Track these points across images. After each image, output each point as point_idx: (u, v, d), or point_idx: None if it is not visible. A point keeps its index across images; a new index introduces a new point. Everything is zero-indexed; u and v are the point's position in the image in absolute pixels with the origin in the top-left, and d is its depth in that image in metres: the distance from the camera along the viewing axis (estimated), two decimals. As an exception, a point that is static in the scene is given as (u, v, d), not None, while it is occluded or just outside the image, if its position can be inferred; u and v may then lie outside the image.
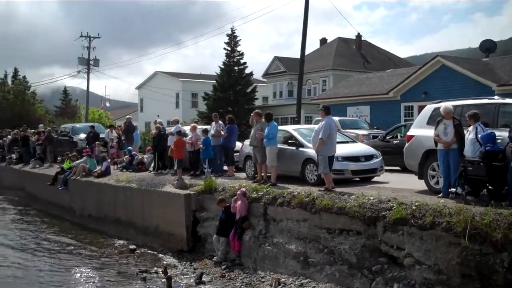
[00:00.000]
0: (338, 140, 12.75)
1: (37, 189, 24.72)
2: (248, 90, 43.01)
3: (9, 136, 31.80)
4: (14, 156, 29.47)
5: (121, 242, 16.26)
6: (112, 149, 23.36)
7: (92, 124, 28.35)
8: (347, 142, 14.79)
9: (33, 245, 16.73)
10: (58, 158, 26.16)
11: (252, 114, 14.91)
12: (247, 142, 15.38)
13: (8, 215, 22.70)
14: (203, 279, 11.76)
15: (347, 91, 32.12)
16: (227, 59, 43.10)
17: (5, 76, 63.04)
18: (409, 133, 12.57)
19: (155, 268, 13.16)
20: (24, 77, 61.51)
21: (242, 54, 43.36)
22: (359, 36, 50.67)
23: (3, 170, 30.23)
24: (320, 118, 13.15)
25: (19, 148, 29.18)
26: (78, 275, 13.12)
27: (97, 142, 23.55)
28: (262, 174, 13.90)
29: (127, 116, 25.24)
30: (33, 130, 29.84)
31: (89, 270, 13.51)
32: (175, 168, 16.75)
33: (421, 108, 16.68)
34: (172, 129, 18.33)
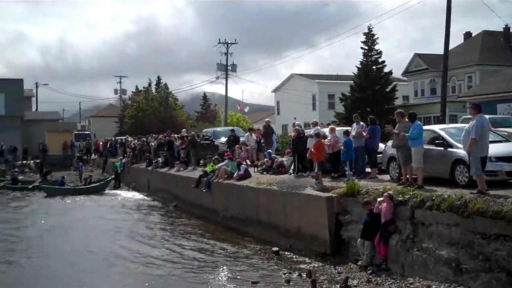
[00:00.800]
0: (490, 139, 12.11)
1: (182, 191, 26.10)
2: (388, 90, 42.10)
3: (155, 141, 33.94)
4: (160, 160, 31.32)
5: (264, 244, 16.69)
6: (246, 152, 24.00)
7: (232, 128, 29.42)
8: (500, 141, 13.94)
9: (179, 243, 17.74)
10: (201, 161, 27.46)
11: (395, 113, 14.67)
12: (390, 143, 15.12)
13: (156, 215, 24.28)
14: (349, 283, 11.72)
15: (496, 87, 30.41)
16: (365, 59, 42.53)
17: (149, 84, 67.58)
18: None
19: (299, 271, 13.37)
20: (165, 84, 65.41)
21: (380, 53, 42.57)
22: (507, 28, 47.60)
23: (150, 174, 32.25)
24: (469, 116, 12.58)
25: (164, 152, 30.98)
26: (223, 274, 13.65)
27: (237, 146, 24.41)
28: (407, 176, 13.59)
29: (266, 119, 25.88)
30: (177, 135, 31.52)
31: (233, 270, 13.99)
32: (315, 170, 16.87)
33: None
34: (311, 131, 18.50)
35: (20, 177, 40.31)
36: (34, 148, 50.29)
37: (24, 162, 48.96)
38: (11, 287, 13.66)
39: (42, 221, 23.31)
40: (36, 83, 76.84)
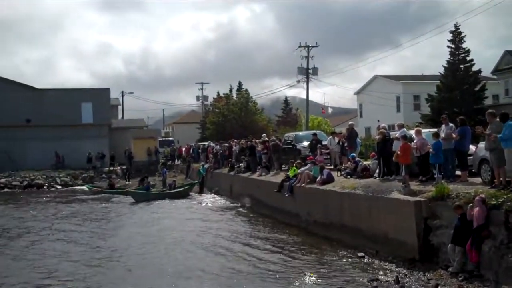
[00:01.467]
0: None
1: (264, 195, 26.33)
2: (476, 89, 40.67)
3: (237, 146, 34.45)
4: (242, 165, 31.76)
5: (349, 249, 16.58)
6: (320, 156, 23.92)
7: (314, 131, 29.40)
8: None
9: (262, 247, 17.90)
10: (283, 166, 27.60)
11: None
12: (481, 145, 14.62)
13: (239, 219, 24.62)
14: (439, 290, 11.44)
15: None
16: (451, 57, 41.31)
17: (230, 90, 68.76)
18: None
19: (386, 277, 13.17)
20: (246, 90, 66.28)
21: (467, 51, 41.23)
22: None
23: (232, 178, 32.75)
24: None
25: (246, 157, 31.41)
26: (307, 279, 13.66)
27: (318, 146, 24.36)
28: (501, 178, 13.09)
29: (350, 122, 25.68)
30: (258, 140, 31.87)
31: (317, 275, 13.97)
32: (402, 173, 16.56)
33: None
34: (396, 133, 18.19)
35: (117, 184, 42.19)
36: (120, 155, 52.43)
37: (111, 168, 51.13)
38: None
39: (135, 223, 24.30)
40: (122, 92, 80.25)
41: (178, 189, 35.78)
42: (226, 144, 38.33)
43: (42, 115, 54.39)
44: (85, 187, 42.50)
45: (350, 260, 15.41)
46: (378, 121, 34.96)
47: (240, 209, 27.86)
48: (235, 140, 37.42)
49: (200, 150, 45.74)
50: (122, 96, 79.68)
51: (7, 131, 52.50)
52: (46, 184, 46.19)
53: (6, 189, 44.67)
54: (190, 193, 35.56)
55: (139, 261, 16.78)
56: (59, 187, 45.97)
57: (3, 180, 46.33)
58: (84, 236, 21.49)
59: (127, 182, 41.31)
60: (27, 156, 51.60)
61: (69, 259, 17.15)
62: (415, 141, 16.89)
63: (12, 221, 26.44)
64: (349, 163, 21.49)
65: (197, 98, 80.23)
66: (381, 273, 13.64)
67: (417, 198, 14.52)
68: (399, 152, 16.63)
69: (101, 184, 43.44)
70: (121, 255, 17.74)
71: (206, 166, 38.26)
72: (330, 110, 68.32)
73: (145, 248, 18.72)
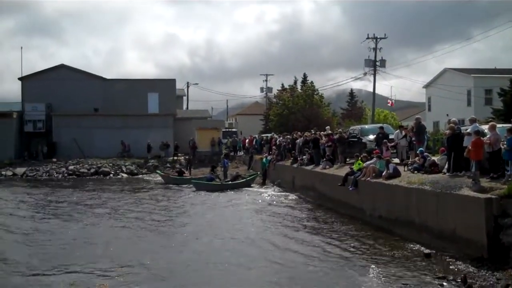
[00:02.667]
0: None
1: (327, 189, 26.22)
2: (554, 83, 38.97)
3: (300, 139, 34.40)
4: (305, 157, 31.70)
5: (414, 245, 16.33)
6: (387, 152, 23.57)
7: (381, 125, 28.99)
8: None
9: (325, 240, 17.86)
10: (348, 159, 27.38)
11: None
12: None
13: (301, 212, 24.62)
14: (509, 291, 11.12)
15: None
16: (528, 50, 39.74)
17: (295, 82, 68.63)
18: None
19: (453, 275, 12.90)
20: (311, 82, 65.99)
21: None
22: None
23: (295, 171, 32.76)
24: None
25: (310, 150, 31.33)
26: (371, 274, 13.56)
27: (384, 140, 24.00)
28: None
29: (416, 116, 25.18)
30: (323, 133, 31.71)
31: (381, 271, 13.84)
32: (473, 170, 16.12)
33: None
34: (467, 128, 17.69)
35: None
36: (184, 145, 53.37)
37: (175, 158, 52.15)
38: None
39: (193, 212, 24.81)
40: (187, 82, 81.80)
41: (240, 180, 36.11)
42: (289, 136, 38.33)
43: (110, 104, 56.20)
44: (158, 172, 44.21)
45: (415, 257, 15.18)
46: (447, 115, 34.08)
47: (302, 202, 27.86)
48: (299, 133, 37.35)
49: (263, 142, 45.96)
50: (187, 86, 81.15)
51: (76, 120, 54.57)
52: (112, 172, 47.72)
53: (74, 176, 46.47)
54: (252, 185, 35.87)
55: (206, 250, 17.12)
56: (124, 175, 47.39)
57: (71, 167, 48.21)
58: (150, 223, 22.11)
59: (186, 172, 42.05)
60: (95, 144, 53.42)
61: (137, 245, 17.70)
62: (488, 136, 16.39)
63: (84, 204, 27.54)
64: (417, 158, 21.08)
65: (261, 89, 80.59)
66: (447, 271, 13.38)
67: (488, 196, 14.11)
68: (470, 148, 16.19)
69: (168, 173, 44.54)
70: (185, 244, 18.14)
71: (269, 158, 38.40)
72: (391, 103, 66.97)
73: (210, 237, 19.07)
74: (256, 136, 51.92)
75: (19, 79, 57.79)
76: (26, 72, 58.34)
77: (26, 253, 16.73)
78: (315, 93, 61.55)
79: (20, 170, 47.45)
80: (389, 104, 66.71)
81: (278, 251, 16.72)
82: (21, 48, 58.72)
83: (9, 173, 47.07)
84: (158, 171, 44.48)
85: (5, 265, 15.19)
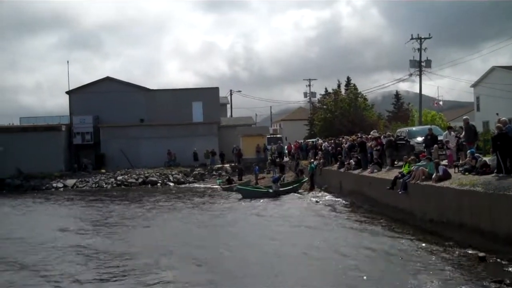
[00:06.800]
0: None
1: (375, 193, 26.06)
2: None
3: (347, 143, 34.26)
4: (352, 161, 31.55)
5: (468, 249, 16.09)
6: (448, 150, 23.29)
7: (429, 126, 28.63)
8: None
9: (374, 246, 17.74)
10: (396, 162, 27.15)
11: None
12: None
13: (350, 217, 24.55)
14: None
15: None
16: None
17: (339, 86, 68.37)
18: None
19: (510, 279, 12.67)
20: (354, 85, 65.63)
21: None
22: None
23: (342, 175, 32.64)
24: None
25: (356, 154, 31.17)
26: (424, 279, 13.43)
27: (435, 145, 23.73)
28: None
29: (464, 117, 24.80)
30: (369, 136, 31.52)
31: (434, 275, 13.69)
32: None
33: None
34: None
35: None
36: (229, 152, 53.84)
37: (221, 165, 52.64)
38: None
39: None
40: (230, 90, 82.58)
41: (288, 187, 36.21)
42: (333, 141, 38.23)
43: (155, 114, 57.33)
44: (217, 181, 45.03)
45: (470, 260, 14.97)
46: (497, 114, 33.29)
47: (351, 207, 27.75)
48: (345, 137, 37.21)
49: (308, 147, 45.93)
50: (231, 94, 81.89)
51: (123, 131, 55.79)
52: (160, 181, 48.52)
53: (123, 186, 47.47)
54: (299, 190, 35.93)
55: (257, 258, 17.32)
56: (171, 184, 48.12)
57: (120, 177, 49.27)
58: (200, 231, 22.47)
59: (235, 182, 42.44)
60: (141, 154, 54.57)
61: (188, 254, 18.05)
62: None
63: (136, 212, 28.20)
64: (467, 159, 20.76)
65: (305, 94, 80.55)
66: (504, 274, 13.15)
67: (544, 196, 13.82)
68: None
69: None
70: (235, 250, 18.38)
71: (315, 163, 38.37)
72: (441, 103, 65.88)
73: (260, 244, 19.27)
74: (302, 141, 51.89)
75: (67, 92, 59.51)
76: (71, 85, 60.11)
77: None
78: (359, 96, 61.17)
79: (70, 182, 48.81)
80: (435, 105, 65.68)
81: (324, 254, 16.76)
82: (68, 62, 60.46)
83: (60, 185, 48.48)
84: (218, 181, 44.91)
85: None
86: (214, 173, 50.70)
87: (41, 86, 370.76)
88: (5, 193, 46.45)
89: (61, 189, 47.62)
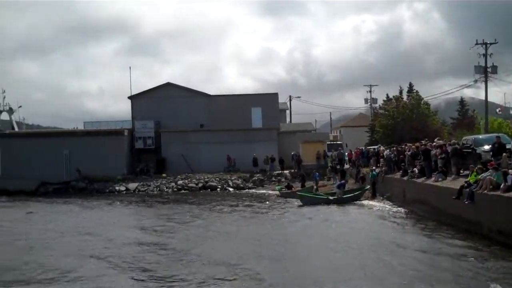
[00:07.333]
0: None
1: (441, 202, 25.68)
2: None
3: (410, 150, 33.84)
4: (415, 169, 31.15)
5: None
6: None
7: (497, 134, 28.05)
8: None
9: (439, 258, 17.68)
10: (461, 171, 26.69)
11: None
12: None
13: (415, 227, 24.37)
14: None
15: None
16: None
17: (400, 92, 67.49)
18: None
19: None
20: (417, 91, 64.61)
21: None
22: None
23: (406, 184, 32.25)
24: None
25: (420, 162, 30.75)
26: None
27: (504, 154, 23.25)
28: None
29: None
30: (434, 143, 31.07)
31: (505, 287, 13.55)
32: None
33: None
34: None
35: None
36: (289, 158, 54.05)
37: (281, 172, 52.91)
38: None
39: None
40: (290, 96, 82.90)
41: (349, 194, 36.08)
42: (396, 148, 37.82)
43: (214, 120, 58.23)
44: (276, 187, 45.23)
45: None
46: None
47: (414, 216, 27.47)
48: (408, 144, 36.76)
49: (370, 154, 45.56)
50: (290, 100, 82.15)
51: (183, 136, 56.92)
52: (219, 186, 49.19)
53: (183, 190, 48.43)
54: (361, 199, 35.72)
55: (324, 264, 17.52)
56: (231, 189, 48.71)
57: (180, 182, 50.30)
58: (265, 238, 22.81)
59: (295, 188, 42.61)
60: (201, 159, 55.47)
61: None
62: None
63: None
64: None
65: (365, 100, 79.91)
66: None
67: None
68: None
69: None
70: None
71: (377, 170, 38.07)
72: (511, 111, 64.10)
73: (325, 253, 19.43)
74: (363, 148, 51.53)
75: (129, 98, 61.10)
76: (132, 91, 61.75)
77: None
78: (422, 102, 60.18)
79: (132, 186, 50.17)
80: (499, 112, 63.96)
81: (394, 267, 16.77)
82: (130, 68, 62.07)
83: (123, 188, 49.92)
84: (277, 187, 45.12)
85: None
86: (273, 179, 51.02)
87: (104, 91, 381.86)
88: (70, 195, 48.27)
89: (124, 192, 49.02)
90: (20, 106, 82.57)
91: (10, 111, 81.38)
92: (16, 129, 67.27)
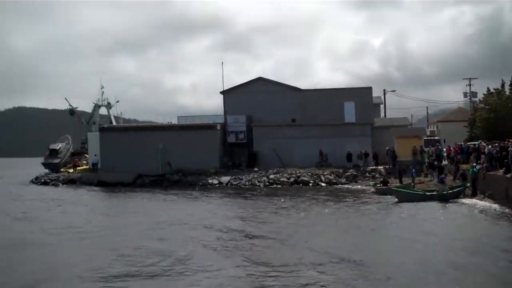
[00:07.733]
0: None
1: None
2: None
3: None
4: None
5: None
6: None
7: None
8: None
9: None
10: None
11: None
12: None
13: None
14: None
15: None
16: None
17: (502, 85, 64.39)
18: None
19: None
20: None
21: None
22: None
23: (509, 182, 30.70)
24: None
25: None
26: None
27: None
28: None
29: None
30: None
31: None
32: None
33: None
34: None
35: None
36: (383, 154, 52.94)
37: (375, 167, 51.95)
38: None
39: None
40: (384, 90, 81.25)
41: (447, 191, 34.83)
42: (498, 143, 36.09)
43: (306, 114, 58.05)
44: (370, 183, 44.55)
45: None
46: None
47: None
48: (511, 140, 34.97)
49: (470, 150, 43.79)
50: (384, 94, 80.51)
51: (275, 130, 57.20)
52: (311, 182, 48.93)
53: (275, 185, 48.62)
54: (460, 196, 34.39)
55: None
56: (323, 184, 48.33)
57: (272, 176, 50.53)
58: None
59: (391, 184, 41.67)
60: (293, 153, 55.47)
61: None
62: None
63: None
64: None
65: (465, 94, 77.04)
66: None
67: None
68: None
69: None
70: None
71: (477, 167, 36.49)
72: None
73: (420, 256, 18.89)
74: (463, 143, 49.60)
75: (221, 92, 62.07)
76: (225, 86, 62.65)
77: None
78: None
79: (225, 179, 51.00)
80: None
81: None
82: (222, 63, 62.97)
83: (215, 181, 50.85)
84: (372, 183, 44.30)
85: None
86: (367, 175, 50.16)
87: (197, 86, 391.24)
88: (166, 187, 49.82)
89: (216, 185, 49.88)
90: (118, 101, 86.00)
91: (109, 105, 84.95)
92: (114, 123, 70.21)
